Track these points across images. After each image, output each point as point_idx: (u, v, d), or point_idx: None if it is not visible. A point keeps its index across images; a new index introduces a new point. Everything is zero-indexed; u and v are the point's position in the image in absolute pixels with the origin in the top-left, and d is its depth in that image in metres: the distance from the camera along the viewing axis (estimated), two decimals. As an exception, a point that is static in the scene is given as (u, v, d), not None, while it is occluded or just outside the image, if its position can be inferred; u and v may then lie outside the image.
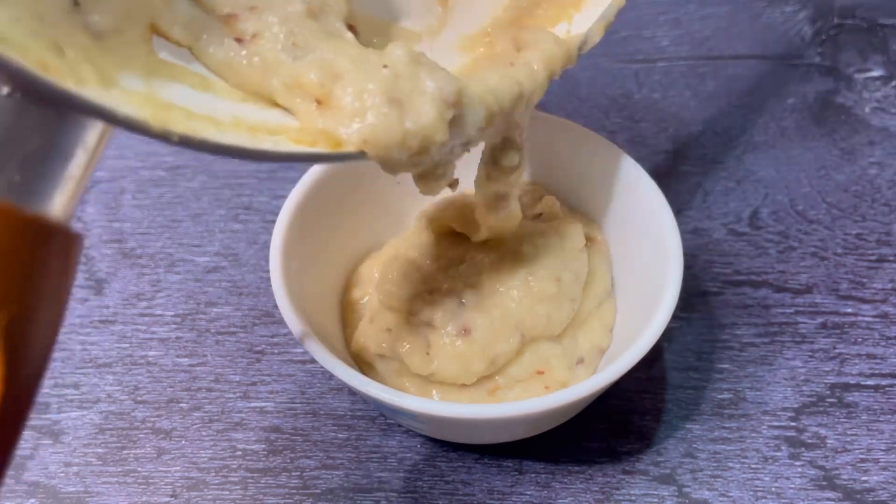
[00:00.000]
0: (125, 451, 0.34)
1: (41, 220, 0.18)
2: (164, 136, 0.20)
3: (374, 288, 0.34)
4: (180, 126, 0.21)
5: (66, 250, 0.19)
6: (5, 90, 0.18)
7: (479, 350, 0.31)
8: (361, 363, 0.34)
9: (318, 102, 0.24)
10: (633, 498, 0.32)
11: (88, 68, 0.19)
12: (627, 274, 0.35)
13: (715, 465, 0.33)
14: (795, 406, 0.35)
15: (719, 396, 0.35)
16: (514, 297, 0.32)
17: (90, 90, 0.19)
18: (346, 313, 0.35)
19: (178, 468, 0.34)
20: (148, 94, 0.21)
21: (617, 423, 0.34)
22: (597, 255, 0.35)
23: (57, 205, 0.19)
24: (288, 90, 0.24)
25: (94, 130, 0.19)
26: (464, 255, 0.34)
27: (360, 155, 0.24)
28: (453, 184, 0.28)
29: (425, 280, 0.33)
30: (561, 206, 0.36)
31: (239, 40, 0.24)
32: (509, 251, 0.33)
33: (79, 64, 0.19)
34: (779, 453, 0.33)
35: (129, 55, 0.22)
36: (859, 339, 0.36)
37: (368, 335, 0.33)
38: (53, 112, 0.18)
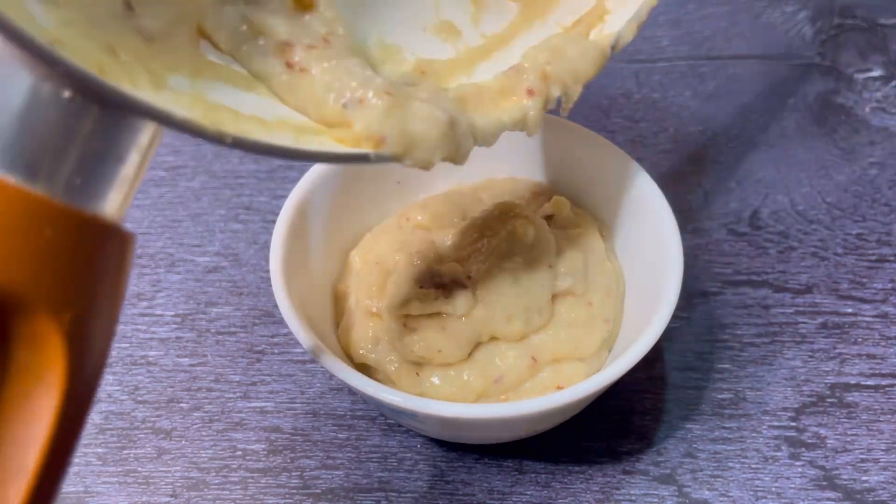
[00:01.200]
0: (125, 451, 0.34)
1: (99, 221, 0.18)
2: (218, 138, 0.20)
3: (359, 290, 0.34)
4: (231, 127, 0.21)
5: (121, 250, 0.19)
6: (67, 93, 0.18)
7: (479, 371, 0.31)
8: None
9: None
10: (633, 498, 0.32)
11: (141, 70, 0.20)
12: (628, 274, 0.35)
13: (715, 465, 0.33)
14: (796, 406, 0.35)
15: (719, 396, 0.35)
16: (535, 322, 0.32)
17: (144, 92, 0.19)
18: (336, 306, 0.35)
19: (179, 468, 0.34)
20: (196, 94, 0.21)
21: (617, 423, 0.34)
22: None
23: (113, 205, 0.19)
24: (324, 121, 0.24)
25: (147, 132, 0.19)
26: (466, 264, 0.33)
27: (398, 156, 0.24)
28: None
29: (417, 287, 0.33)
30: (572, 207, 0.35)
31: (289, 65, 0.24)
32: (523, 265, 0.33)
33: (132, 66, 0.19)
34: (779, 453, 0.33)
35: (177, 57, 0.22)
36: (859, 339, 0.36)
37: (353, 340, 0.33)
38: (110, 114, 0.18)
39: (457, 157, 0.25)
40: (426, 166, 0.25)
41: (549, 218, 0.35)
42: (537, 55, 0.28)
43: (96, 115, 0.18)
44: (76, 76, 0.17)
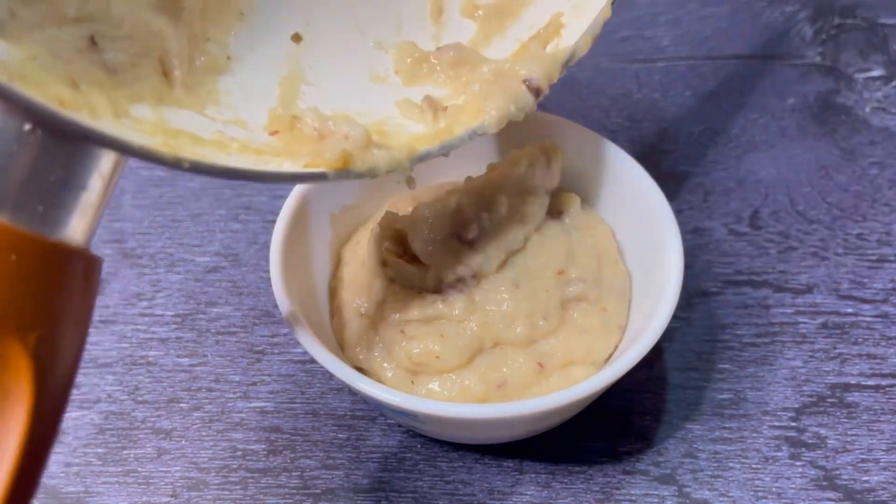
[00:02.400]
0: (125, 451, 0.34)
1: (63, 247, 0.19)
2: (175, 164, 0.21)
3: (348, 289, 0.33)
4: (189, 153, 0.22)
5: (87, 273, 0.20)
6: (27, 126, 0.18)
7: (480, 376, 0.31)
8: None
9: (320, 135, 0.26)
10: (633, 498, 0.32)
11: (102, 100, 0.20)
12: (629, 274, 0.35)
13: (715, 465, 0.33)
14: (796, 406, 0.35)
15: (720, 396, 0.35)
16: (542, 328, 0.31)
17: (104, 122, 0.20)
18: (331, 305, 0.35)
19: (179, 468, 0.34)
20: (157, 121, 0.22)
21: (617, 423, 0.34)
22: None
23: (77, 231, 0.20)
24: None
25: (108, 159, 0.20)
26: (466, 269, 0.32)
27: (361, 174, 0.26)
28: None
29: (414, 290, 0.32)
30: (583, 204, 0.35)
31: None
32: (525, 269, 0.32)
33: (93, 97, 0.20)
34: (779, 453, 0.33)
35: (140, 86, 0.23)
36: (860, 339, 0.36)
37: (347, 341, 0.32)
38: (71, 144, 0.19)
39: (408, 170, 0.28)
40: (377, 175, 0.27)
41: (559, 214, 0.35)
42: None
43: (58, 146, 0.19)
44: (35, 110, 0.18)
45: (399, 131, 0.28)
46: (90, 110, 0.20)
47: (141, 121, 0.21)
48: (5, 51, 0.19)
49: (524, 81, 0.29)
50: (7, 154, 0.18)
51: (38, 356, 0.18)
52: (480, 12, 0.32)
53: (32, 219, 0.19)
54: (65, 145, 0.19)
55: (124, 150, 0.20)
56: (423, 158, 0.28)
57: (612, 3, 0.30)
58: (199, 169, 0.22)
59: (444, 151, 0.28)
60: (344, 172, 0.26)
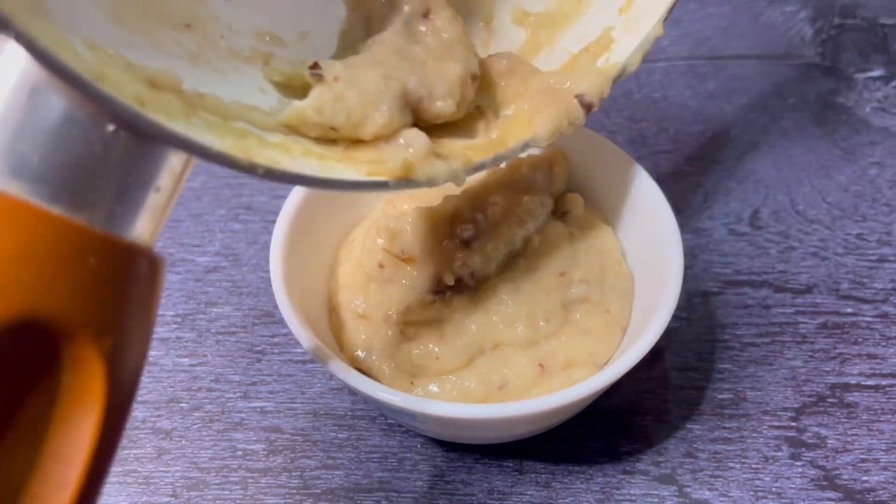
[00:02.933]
0: (125, 451, 0.34)
1: (136, 248, 0.19)
2: (250, 169, 0.21)
3: (345, 289, 0.33)
4: (261, 157, 0.21)
5: (153, 274, 0.20)
6: (110, 127, 0.18)
7: (481, 377, 0.31)
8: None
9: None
10: (633, 498, 0.32)
11: (174, 100, 0.20)
12: (628, 274, 0.35)
13: (715, 465, 0.33)
14: (796, 406, 0.35)
15: (720, 396, 0.35)
16: (543, 329, 0.31)
17: (178, 123, 0.20)
18: (330, 304, 0.35)
19: (179, 468, 0.34)
20: (224, 121, 0.22)
21: (617, 423, 0.34)
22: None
23: (147, 232, 0.20)
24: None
25: (179, 159, 0.20)
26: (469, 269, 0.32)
27: (421, 183, 0.26)
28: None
29: (413, 291, 0.32)
30: (586, 205, 0.35)
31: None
32: (526, 271, 0.32)
33: (167, 97, 0.20)
34: (779, 453, 0.33)
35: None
36: (860, 339, 0.36)
37: (345, 341, 0.32)
38: (148, 145, 0.19)
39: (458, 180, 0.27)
40: (458, 184, 0.27)
41: (563, 215, 0.35)
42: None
43: (137, 147, 0.19)
44: (119, 111, 0.18)
45: (452, 141, 0.28)
46: (166, 111, 0.20)
47: (210, 120, 0.21)
48: (85, 48, 0.19)
49: (576, 97, 0.29)
50: (87, 154, 0.18)
51: (112, 360, 0.18)
52: (532, 20, 0.32)
53: (109, 220, 0.19)
54: (142, 146, 0.19)
55: (203, 154, 0.20)
56: (477, 169, 0.28)
57: (664, 20, 0.29)
58: (272, 175, 0.22)
59: (498, 163, 0.28)
60: (404, 181, 0.25)
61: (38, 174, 0.18)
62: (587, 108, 0.29)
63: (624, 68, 0.30)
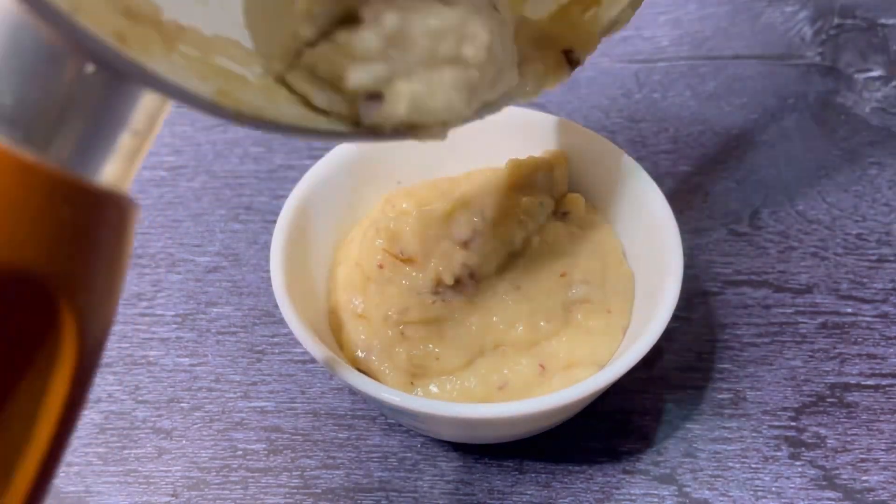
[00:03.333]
0: (126, 451, 0.34)
1: (109, 195, 0.18)
2: (236, 117, 0.20)
3: (343, 289, 0.33)
4: (245, 105, 0.20)
5: (125, 222, 0.19)
6: (90, 68, 0.17)
7: (481, 378, 0.31)
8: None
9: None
10: (633, 498, 0.32)
11: (154, 34, 0.19)
12: (628, 274, 0.35)
13: (715, 464, 0.33)
14: (795, 406, 0.35)
15: (719, 396, 0.35)
16: (544, 329, 0.31)
17: (157, 60, 0.18)
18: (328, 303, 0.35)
19: (179, 468, 0.34)
20: (205, 59, 0.20)
21: (617, 423, 0.34)
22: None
23: (121, 177, 0.19)
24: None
25: (155, 98, 0.19)
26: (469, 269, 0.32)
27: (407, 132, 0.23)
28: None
29: (412, 291, 0.32)
30: (586, 205, 0.35)
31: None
32: (526, 272, 0.32)
33: (147, 32, 0.19)
34: (779, 453, 0.33)
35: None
36: (859, 339, 0.36)
37: (345, 341, 0.32)
38: (126, 84, 0.18)
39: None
40: (441, 137, 0.24)
41: (564, 215, 0.35)
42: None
43: (112, 86, 0.18)
44: (97, 48, 0.17)
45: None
46: (145, 47, 0.18)
47: (190, 57, 0.20)
48: None
49: (563, 52, 0.27)
50: (66, 97, 0.17)
51: (84, 315, 0.17)
52: None
53: (83, 166, 0.18)
54: (121, 87, 0.18)
55: (187, 101, 0.19)
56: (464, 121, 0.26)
57: None
58: (257, 124, 0.20)
59: (481, 115, 0.26)
60: (403, 130, 0.23)
61: (12, 116, 0.17)
62: (574, 64, 0.28)
63: (614, 22, 0.28)
